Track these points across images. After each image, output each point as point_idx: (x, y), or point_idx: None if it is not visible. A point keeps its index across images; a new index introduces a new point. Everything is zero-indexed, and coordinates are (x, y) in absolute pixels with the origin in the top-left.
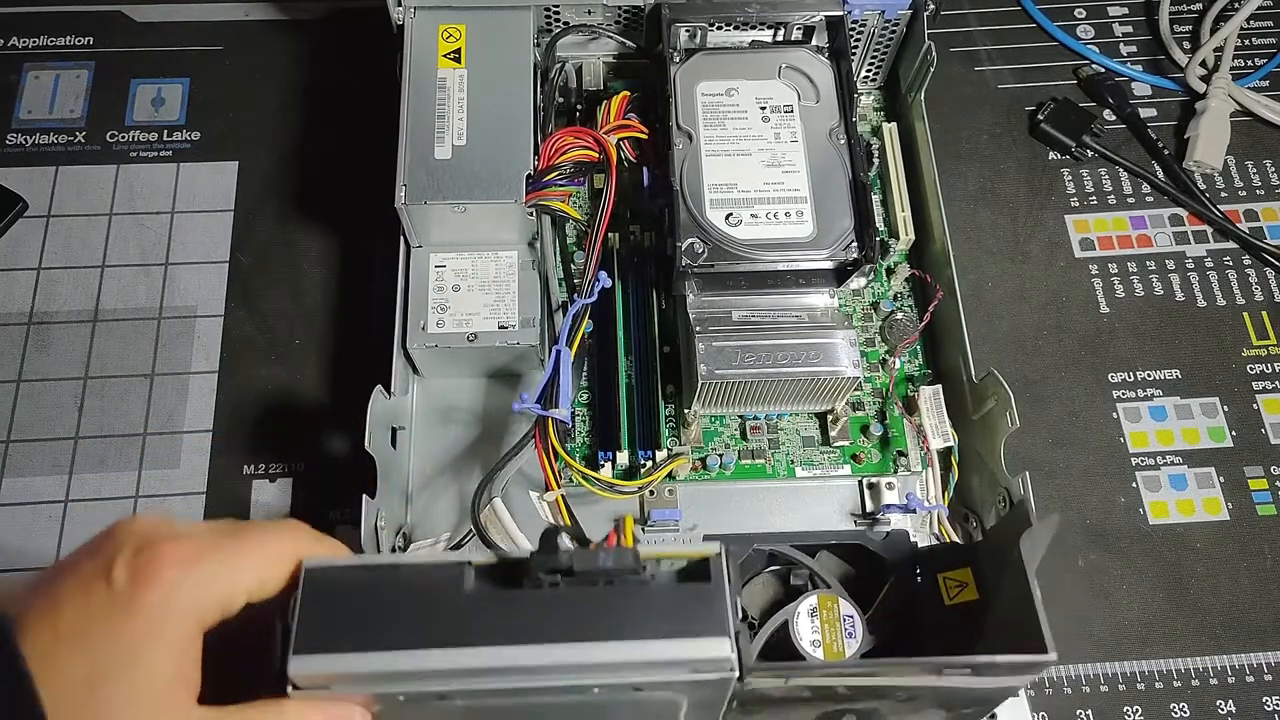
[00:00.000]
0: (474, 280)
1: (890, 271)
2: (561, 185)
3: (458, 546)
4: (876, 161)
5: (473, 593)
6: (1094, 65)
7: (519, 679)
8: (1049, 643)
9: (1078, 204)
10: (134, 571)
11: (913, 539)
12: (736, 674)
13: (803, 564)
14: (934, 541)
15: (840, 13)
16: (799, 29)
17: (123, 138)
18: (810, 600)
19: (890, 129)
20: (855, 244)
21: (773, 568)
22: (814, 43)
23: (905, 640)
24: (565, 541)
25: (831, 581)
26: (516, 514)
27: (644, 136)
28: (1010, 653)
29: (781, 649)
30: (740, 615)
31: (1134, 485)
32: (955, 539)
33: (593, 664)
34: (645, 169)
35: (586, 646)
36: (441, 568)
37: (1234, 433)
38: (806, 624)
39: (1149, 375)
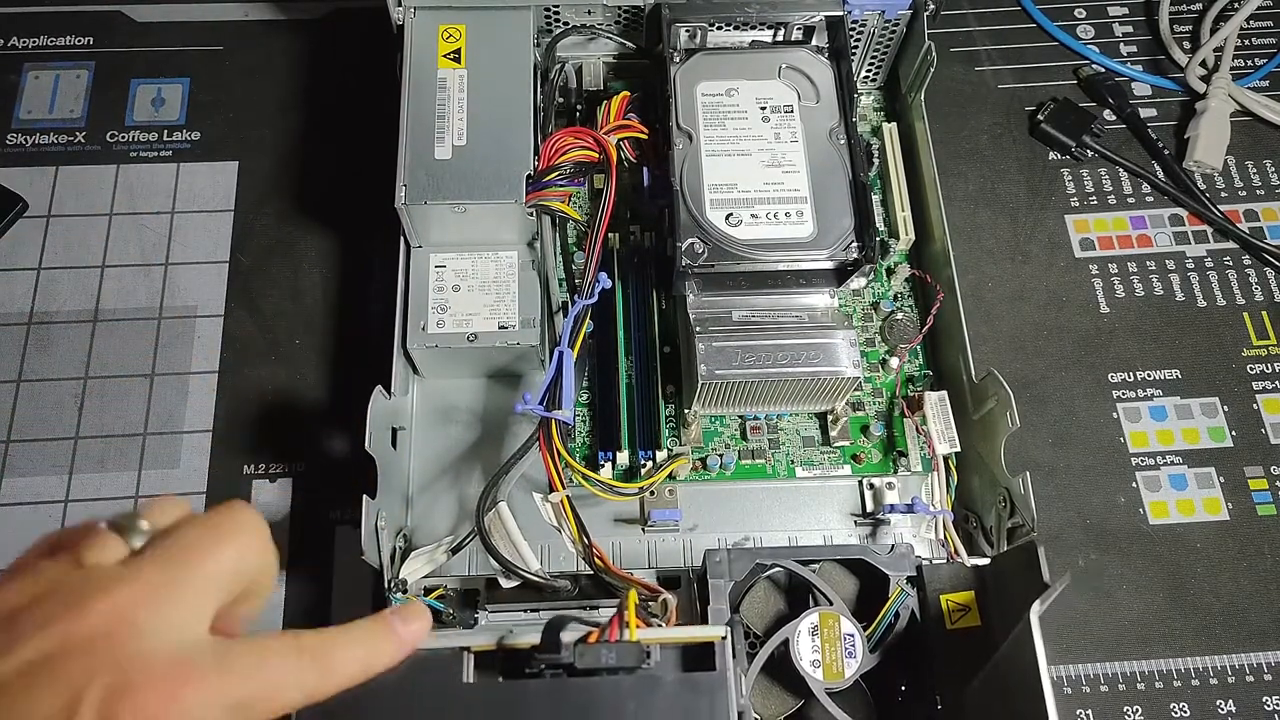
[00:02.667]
0: (474, 280)
1: (890, 271)
2: (561, 185)
3: (458, 548)
4: (876, 161)
5: (473, 684)
6: (1094, 65)
7: None
8: None
9: (1078, 204)
10: None
11: (913, 541)
12: None
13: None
14: (936, 544)
15: (840, 13)
16: (799, 29)
17: (123, 138)
18: (811, 618)
19: (890, 129)
20: (855, 244)
21: (777, 571)
22: (814, 43)
23: (906, 661)
24: (568, 634)
25: (834, 598)
26: (518, 513)
27: (644, 137)
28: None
29: (783, 665)
30: (745, 696)
31: (1134, 485)
32: (958, 544)
33: None
34: (645, 169)
35: None
36: (440, 655)
37: (1234, 433)
38: (807, 643)
39: (1149, 375)
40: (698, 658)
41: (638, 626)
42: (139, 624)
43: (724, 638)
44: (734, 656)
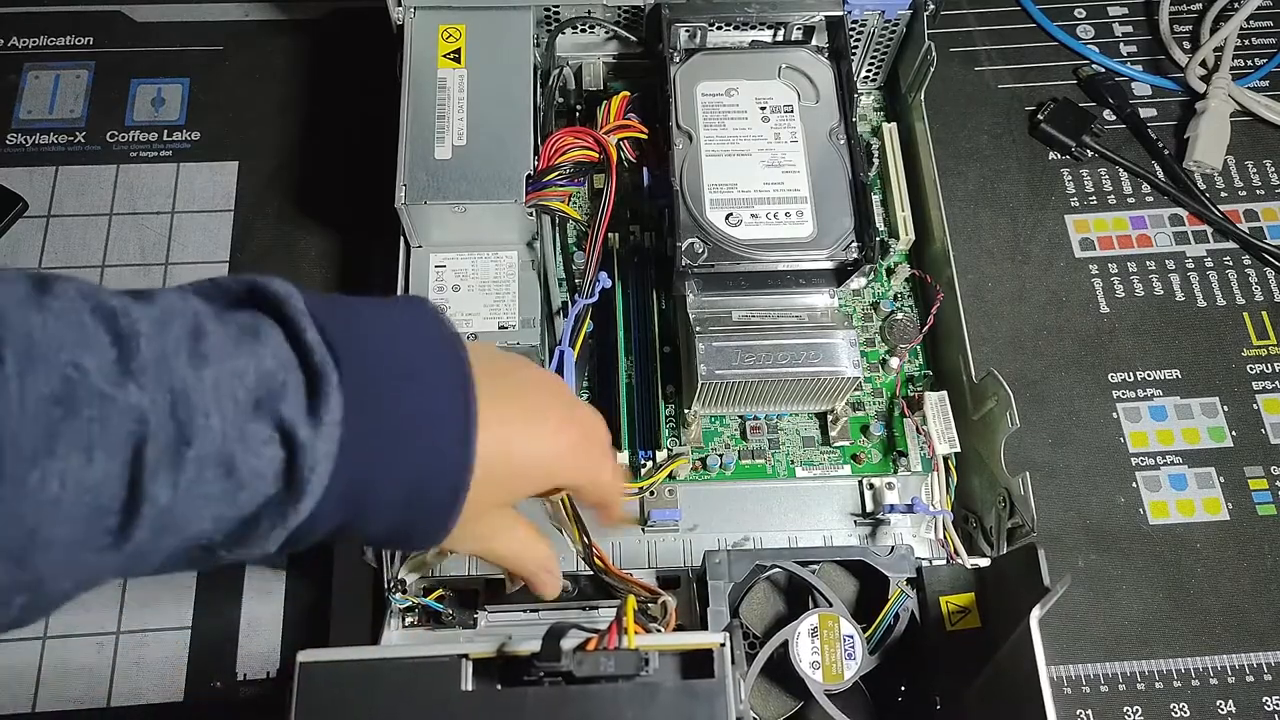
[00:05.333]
0: (474, 280)
1: (890, 271)
2: (561, 185)
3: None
4: (876, 161)
5: (472, 692)
6: (1094, 65)
7: None
8: None
9: (1078, 204)
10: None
11: (913, 541)
12: None
13: (805, 578)
14: (936, 544)
15: (840, 13)
16: (799, 29)
17: (123, 138)
18: (811, 620)
19: (890, 129)
20: (855, 244)
21: (776, 572)
22: (814, 43)
23: (906, 662)
24: (568, 641)
25: (833, 599)
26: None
27: (644, 137)
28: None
29: (782, 667)
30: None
31: (1134, 485)
32: (958, 544)
33: None
34: (645, 169)
35: None
36: (439, 663)
37: (1234, 433)
38: (806, 644)
39: (1149, 375)
40: (696, 665)
41: (636, 633)
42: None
43: (723, 645)
44: (733, 663)
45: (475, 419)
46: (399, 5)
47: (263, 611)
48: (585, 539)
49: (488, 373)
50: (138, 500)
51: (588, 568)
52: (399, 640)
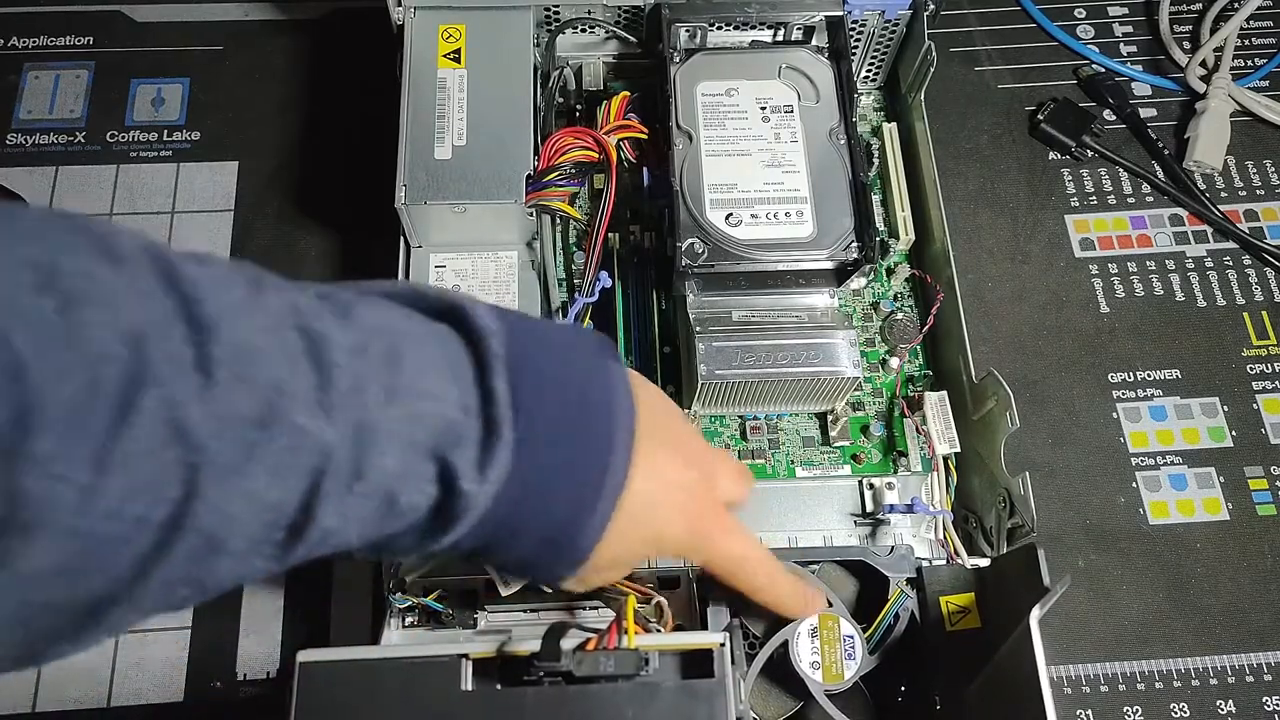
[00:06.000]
0: (474, 280)
1: (890, 271)
2: (561, 185)
3: None
4: (876, 161)
5: (471, 692)
6: (1094, 65)
7: None
8: None
9: (1078, 204)
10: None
11: (913, 541)
12: None
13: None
14: (936, 544)
15: (840, 13)
16: (799, 29)
17: (123, 138)
18: (811, 620)
19: (890, 129)
20: (855, 244)
21: None
22: (814, 43)
23: (906, 662)
24: (568, 640)
25: (833, 599)
26: None
27: (644, 137)
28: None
29: (782, 667)
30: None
31: (1134, 485)
32: (958, 544)
33: None
34: (645, 169)
35: None
36: (439, 663)
37: (1234, 433)
38: (806, 644)
39: (1149, 375)
40: (696, 664)
41: (636, 633)
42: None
43: (722, 645)
44: (733, 663)
45: (619, 492)
46: (399, 5)
47: (263, 611)
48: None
49: (651, 431)
50: (307, 524)
51: None
52: (399, 640)
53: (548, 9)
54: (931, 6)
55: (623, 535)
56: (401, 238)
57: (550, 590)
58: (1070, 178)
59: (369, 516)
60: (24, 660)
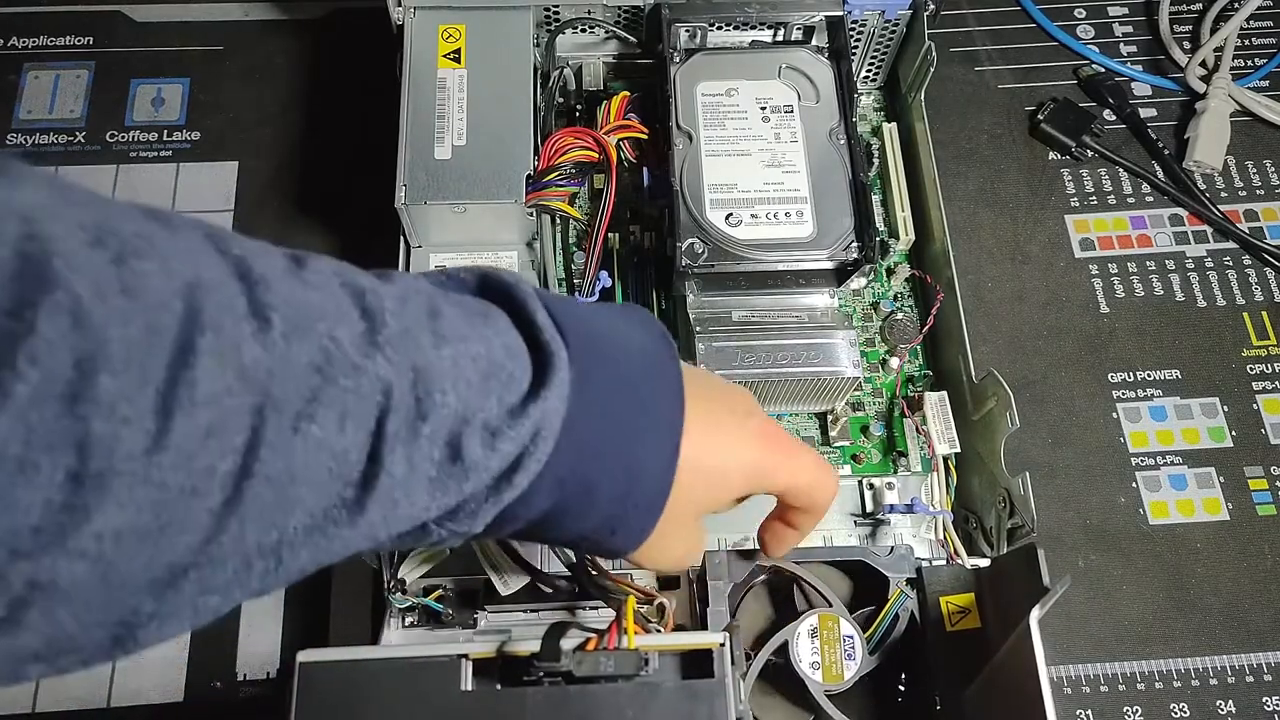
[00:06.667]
0: None
1: (890, 272)
2: (561, 185)
3: (453, 548)
4: (876, 162)
5: (471, 692)
6: (1094, 65)
7: None
8: None
9: (1078, 204)
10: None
11: (913, 541)
12: None
13: (803, 579)
14: (936, 544)
15: (840, 13)
16: (799, 29)
17: (123, 138)
18: (811, 620)
19: (890, 129)
20: (855, 244)
21: (763, 577)
22: (814, 43)
23: (906, 663)
24: (567, 641)
25: (833, 600)
26: None
27: (644, 137)
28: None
29: (781, 668)
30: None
31: (1134, 485)
32: (958, 544)
33: None
34: (645, 169)
35: None
36: (438, 663)
37: (1234, 433)
38: (806, 645)
39: (1149, 375)
40: (696, 664)
41: (636, 633)
42: None
43: (722, 645)
44: (733, 663)
45: (682, 418)
46: (399, 5)
47: (262, 611)
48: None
49: (690, 378)
50: (375, 472)
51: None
52: (399, 640)
53: (547, 9)
54: (931, 6)
55: (695, 475)
56: (401, 238)
57: (577, 580)
58: (1070, 178)
59: (438, 467)
60: (120, 644)
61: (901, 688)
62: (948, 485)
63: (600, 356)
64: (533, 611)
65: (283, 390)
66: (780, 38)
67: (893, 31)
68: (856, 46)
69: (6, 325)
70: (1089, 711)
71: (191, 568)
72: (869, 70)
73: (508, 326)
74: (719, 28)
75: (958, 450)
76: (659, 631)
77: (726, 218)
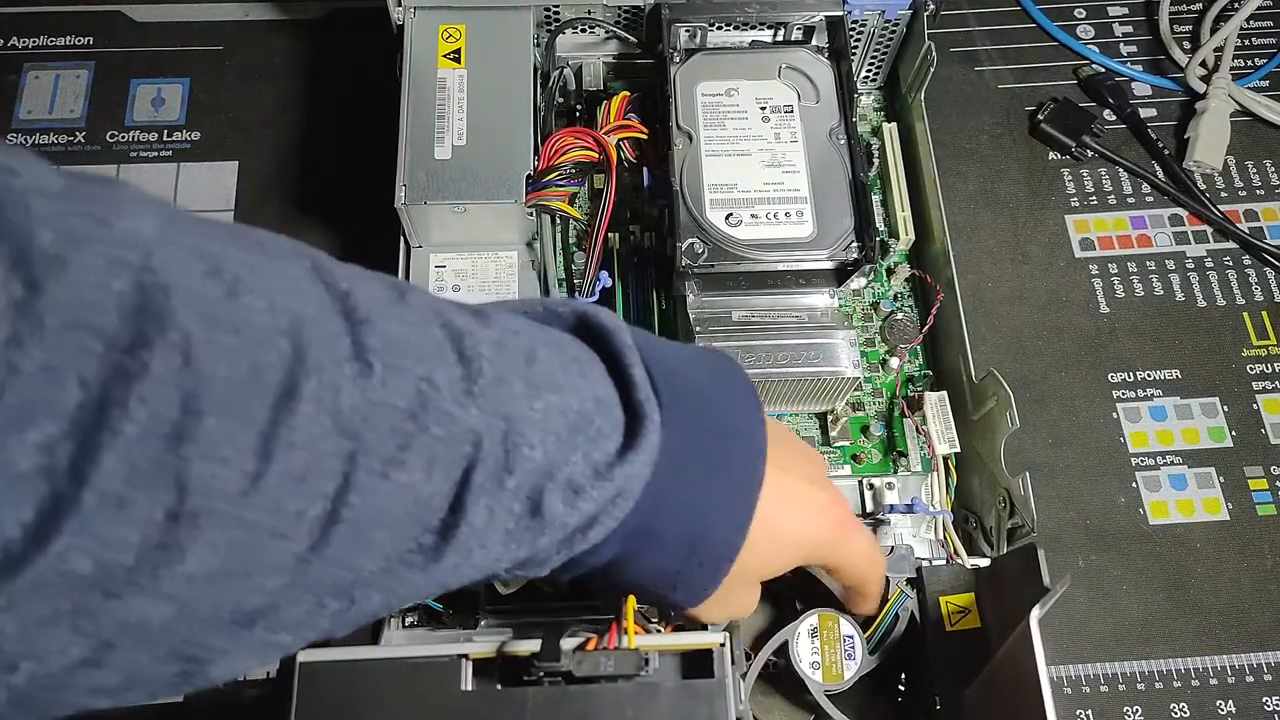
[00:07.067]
0: (474, 281)
1: (890, 272)
2: (561, 185)
3: None
4: (876, 161)
5: (471, 692)
6: (1094, 65)
7: None
8: None
9: (1078, 204)
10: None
11: (913, 541)
12: None
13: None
14: (936, 544)
15: (840, 13)
16: (799, 29)
17: (123, 138)
18: (811, 620)
19: (890, 129)
20: (855, 244)
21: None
22: (814, 43)
23: (906, 662)
24: (568, 640)
25: (833, 599)
26: None
27: (644, 137)
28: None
29: (780, 668)
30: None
31: (1134, 485)
32: (958, 544)
33: None
34: (645, 169)
35: None
36: (438, 663)
37: (1234, 433)
38: (807, 645)
39: (1149, 375)
40: (696, 664)
41: (636, 633)
42: None
43: (723, 645)
44: (733, 663)
45: (761, 484)
46: (399, 5)
47: None
48: None
49: (773, 439)
50: (457, 521)
51: None
52: (399, 640)
53: (547, 9)
54: (931, 6)
55: (763, 541)
56: (401, 238)
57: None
58: (1070, 178)
59: (516, 520)
60: (188, 679)
61: (901, 688)
62: (948, 485)
63: (692, 417)
64: (533, 611)
65: (376, 435)
66: (780, 38)
67: (893, 31)
68: (856, 46)
69: (122, 362)
70: (1089, 711)
71: (270, 609)
72: (869, 70)
73: (602, 376)
74: (719, 28)
75: (958, 450)
76: (659, 631)
77: (726, 218)
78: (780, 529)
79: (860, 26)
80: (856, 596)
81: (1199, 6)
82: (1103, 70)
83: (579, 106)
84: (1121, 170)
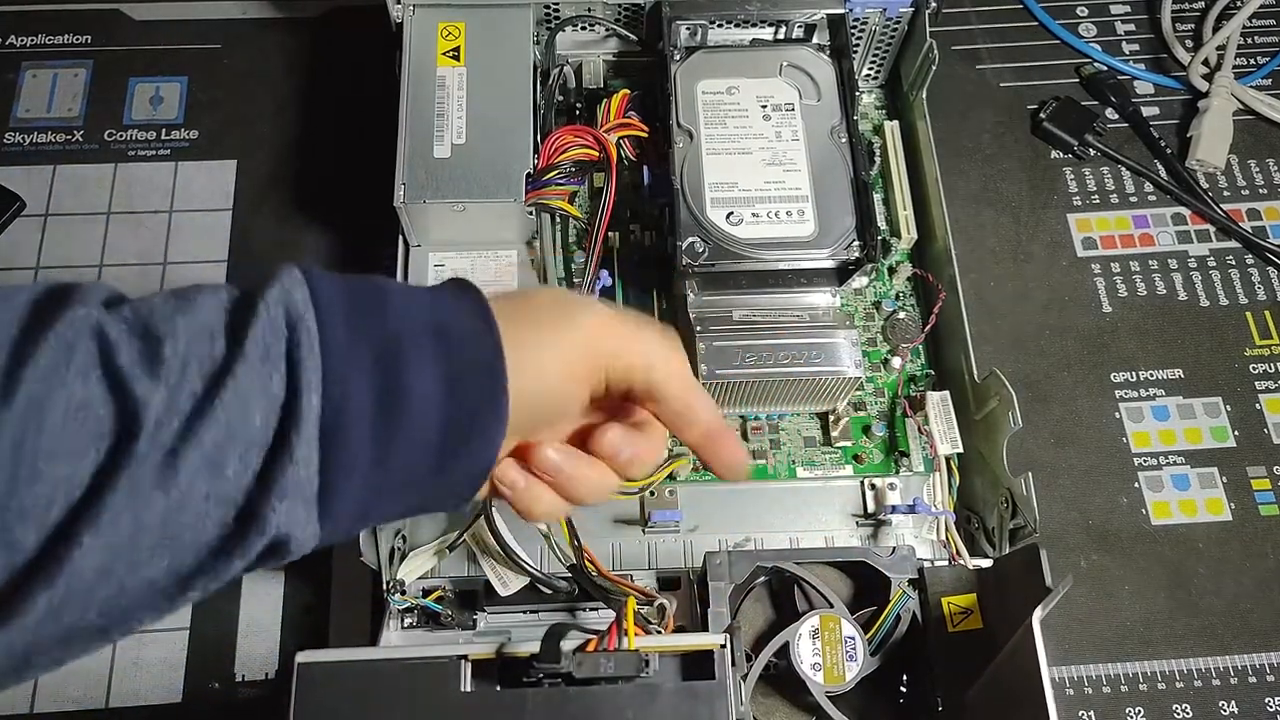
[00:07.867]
0: (473, 279)
1: (892, 271)
2: (561, 184)
3: (452, 547)
4: (878, 160)
5: (471, 693)
6: (1096, 64)
7: None
8: None
9: (1080, 203)
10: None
11: (915, 542)
12: None
13: (804, 580)
14: (938, 545)
15: (842, 11)
16: (800, 27)
17: (121, 136)
18: (812, 621)
19: (892, 127)
20: (857, 243)
21: (763, 578)
22: (815, 41)
23: (907, 663)
24: (567, 642)
25: (834, 600)
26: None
27: (644, 135)
28: None
29: (781, 669)
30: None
31: (1136, 485)
32: (960, 545)
33: None
34: (645, 168)
35: None
36: (438, 664)
37: (1237, 433)
38: (808, 646)
39: (1151, 375)
40: (697, 666)
41: (636, 634)
42: None
43: (723, 646)
44: (733, 664)
45: (494, 316)
46: (398, 3)
47: (261, 612)
48: (576, 542)
49: (500, 295)
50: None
51: (581, 574)
52: (398, 641)
53: (547, 7)
54: (933, 4)
55: (524, 379)
56: (400, 237)
57: (577, 580)
58: (1072, 176)
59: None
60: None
61: (903, 689)
62: (950, 485)
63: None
64: (532, 612)
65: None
66: (781, 35)
67: (894, 29)
68: (858, 44)
69: None
70: (1091, 712)
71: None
72: (870, 68)
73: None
74: (720, 25)
75: (960, 450)
76: (659, 633)
77: (727, 216)
78: (539, 371)
79: (861, 24)
80: (685, 424)
81: (1201, 5)
82: (1105, 69)
83: (579, 105)
84: (1124, 169)
